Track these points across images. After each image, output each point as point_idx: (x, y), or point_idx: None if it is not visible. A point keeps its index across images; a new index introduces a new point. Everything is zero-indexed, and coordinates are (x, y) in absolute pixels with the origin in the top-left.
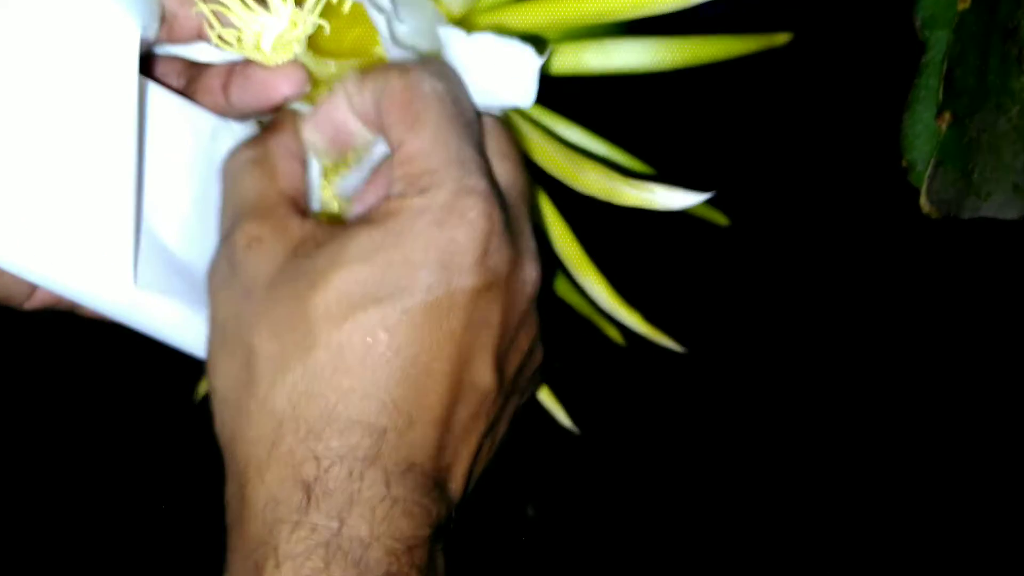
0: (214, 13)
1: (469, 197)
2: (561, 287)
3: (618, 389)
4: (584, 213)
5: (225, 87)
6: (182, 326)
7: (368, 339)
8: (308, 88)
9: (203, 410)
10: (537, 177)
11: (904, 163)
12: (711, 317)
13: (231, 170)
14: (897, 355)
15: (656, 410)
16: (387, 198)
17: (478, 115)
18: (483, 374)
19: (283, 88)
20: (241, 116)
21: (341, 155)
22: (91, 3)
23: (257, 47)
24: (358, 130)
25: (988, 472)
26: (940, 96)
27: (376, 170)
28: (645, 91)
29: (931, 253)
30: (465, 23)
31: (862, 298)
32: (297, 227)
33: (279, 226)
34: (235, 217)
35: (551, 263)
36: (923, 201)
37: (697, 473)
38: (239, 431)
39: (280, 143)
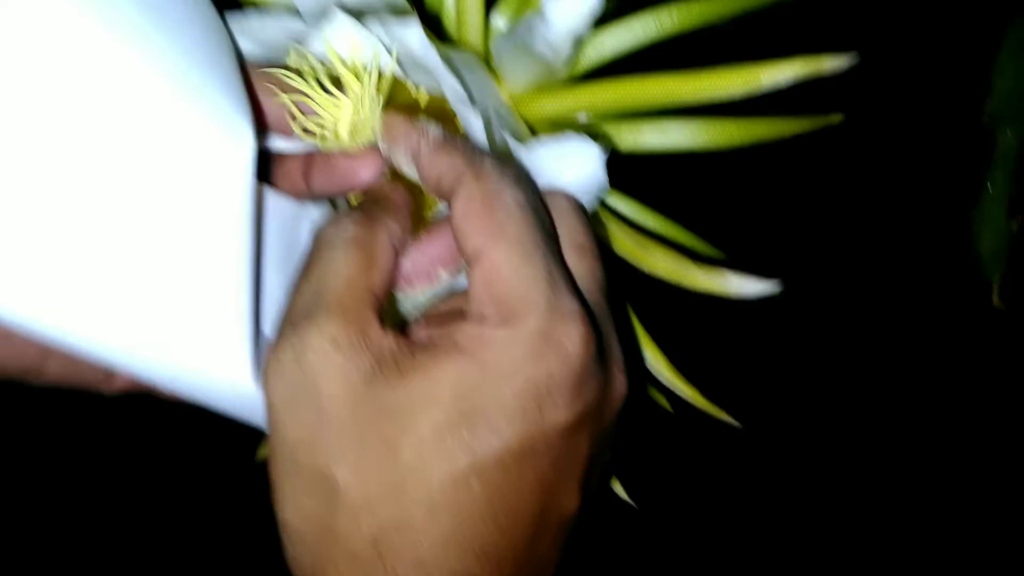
0: (295, 103)
1: (564, 324)
2: None
3: (670, 457)
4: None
5: (306, 174)
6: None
7: (460, 489)
8: (386, 170)
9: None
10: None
11: (973, 254)
12: (774, 395)
13: (328, 241)
14: (957, 443)
15: (709, 481)
16: (472, 318)
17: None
18: (569, 503)
19: (364, 174)
20: (319, 199)
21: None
22: (211, 114)
23: (337, 134)
24: (452, 266)
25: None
26: (1009, 195)
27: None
28: (704, 167)
29: (1000, 344)
30: (528, 102)
31: (927, 385)
32: (377, 337)
33: (360, 333)
34: (316, 302)
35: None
36: (995, 297)
37: (746, 545)
38: (320, 573)
39: (388, 228)
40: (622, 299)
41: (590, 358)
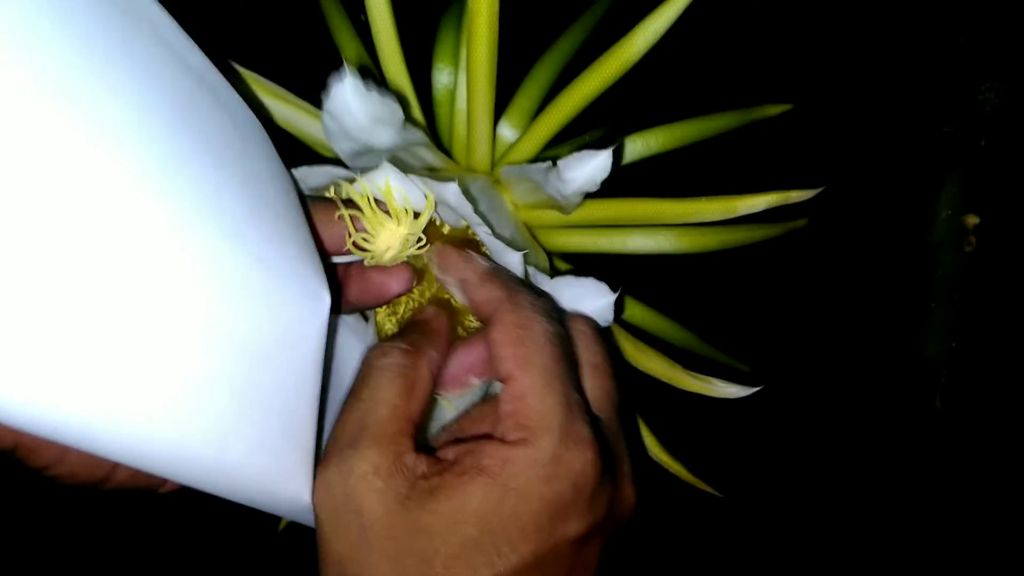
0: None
1: (575, 448)
2: None
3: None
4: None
5: (344, 287)
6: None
7: None
8: (414, 284)
9: None
10: None
11: (921, 360)
12: (747, 474)
13: (376, 369)
14: (901, 527)
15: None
16: (498, 440)
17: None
18: None
19: (395, 288)
20: (354, 311)
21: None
22: (297, 276)
23: (384, 252)
24: (483, 375)
25: None
26: (950, 320)
27: (486, 398)
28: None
29: (940, 439)
30: (531, 211)
31: (875, 472)
32: (412, 463)
33: (398, 461)
34: (362, 431)
35: None
36: (937, 400)
37: None
38: None
39: (430, 358)
40: (633, 412)
41: (597, 478)
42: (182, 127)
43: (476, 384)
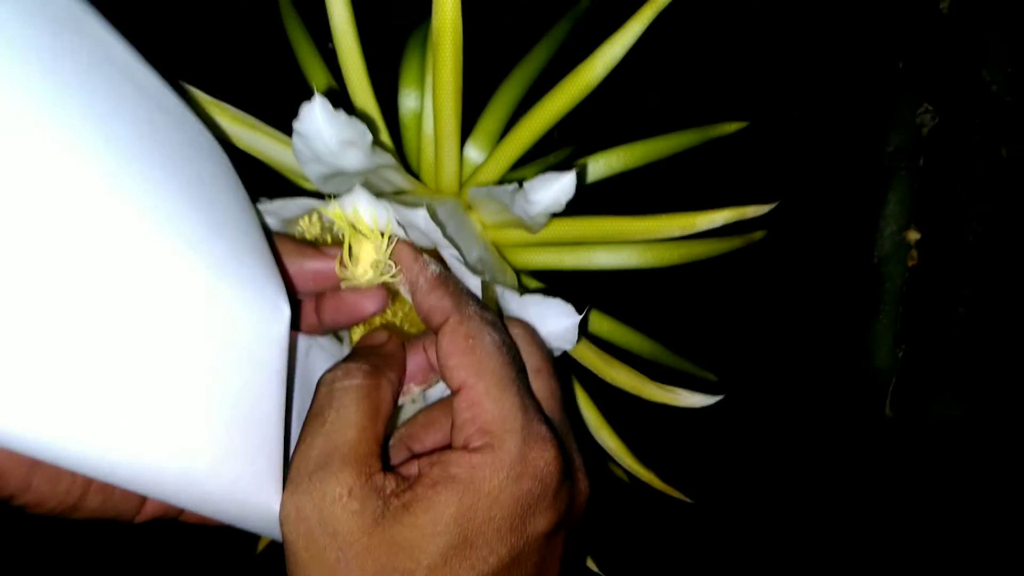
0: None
1: (537, 447)
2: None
3: (630, 526)
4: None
5: (318, 309)
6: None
7: None
8: (388, 304)
9: None
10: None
11: (870, 369)
12: (711, 480)
13: (341, 391)
14: (852, 530)
15: (662, 548)
16: (459, 445)
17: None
18: None
19: (369, 307)
20: (328, 332)
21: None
22: (258, 290)
23: (363, 273)
24: (423, 382)
25: None
26: (897, 330)
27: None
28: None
29: (889, 444)
30: (499, 231)
31: (827, 475)
32: (382, 481)
33: (370, 481)
34: (332, 453)
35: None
36: (887, 408)
37: None
38: None
39: (390, 381)
40: (575, 407)
41: (560, 473)
42: (141, 146)
43: (416, 391)
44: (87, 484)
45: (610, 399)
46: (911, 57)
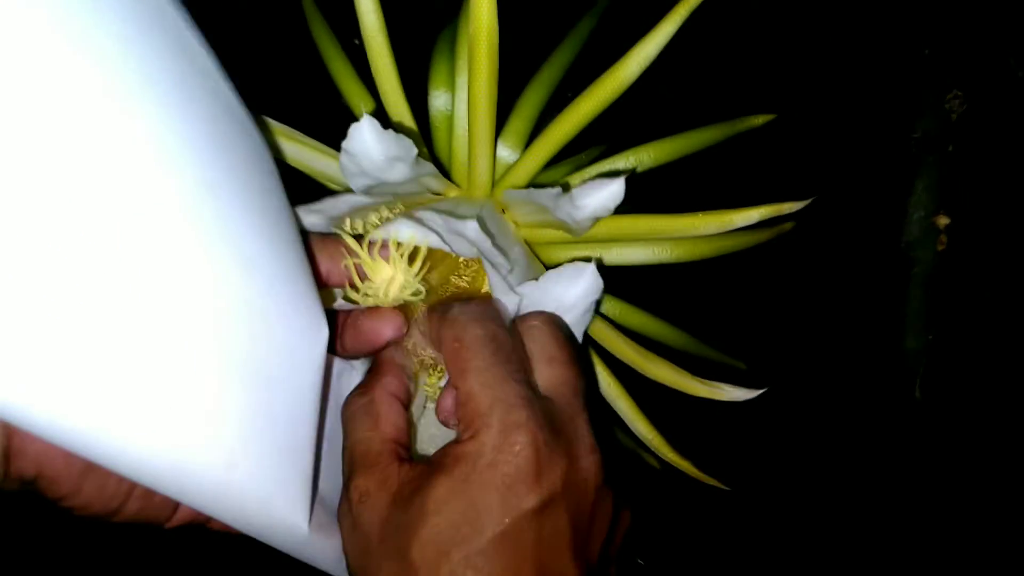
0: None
1: (513, 432)
2: (618, 435)
3: (666, 516)
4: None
5: (340, 336)
6: (322, 554)
7: None
8: (406, 329)
9: None
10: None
11: (901, 352)
12: (747, 466)
13: (346, 419)
14: (882, 512)
15: (700, 536)
16: (455, 442)
17: (534, 322)
18: (567, 571)
19: (386, 333)
20: (353, 357)
21: (429, 368)
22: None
23: (383, 296)
24: (431, 351)
25: None
26: (925, 313)
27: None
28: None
29: (919, 427)
30: (533, 230)
31: (860, 459)
32: (395, 474)
33: (381, 477)
34: (351, 467)
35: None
36: (917, 390)
37: None
38: None
39: (383, 388)
40: (598, 397)
41: (540, 453)
42: (216, 154)
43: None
44: (129, 491)
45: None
46: (937, 44)
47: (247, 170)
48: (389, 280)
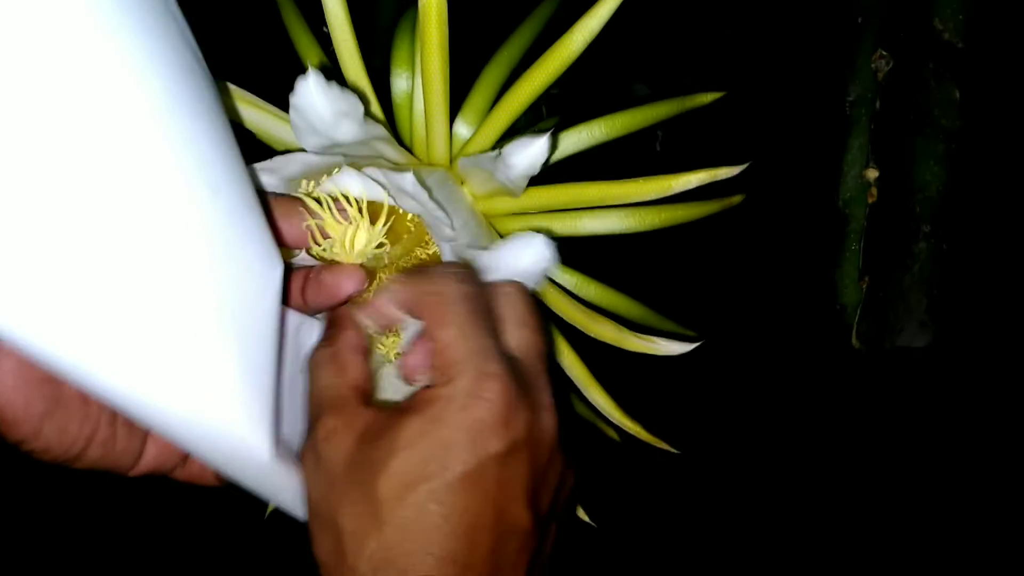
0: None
1: (487, 381)
2: (574, 402)
3: (622, 479)
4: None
5: (303, 290)
6: (282, 487)
7: (422, 511)
8: (367, 284)
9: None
10: (556, 322)
11: (838, 306)
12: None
13: (312, 367)
14: (823, 459)
15: (654, 498)
16: (426, 387)
17: (507, 287)
18: (520, 517)
19: (348, 288)
20: (315, 312)
21: (388, 331)
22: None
23: (348, 250)
24: (399, 316)
25: None
26: (860, 264)
27: (415, 341)
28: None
29: (857, 374)
30: (488, 200)
31: (801, 407)
32: (362, 416)
33: (348, 418)
34: (317, 410)
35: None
36: (853, 340)
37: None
38: None
39: (346, 340)
40: (556, 360)
41: (509, 403)
42: (186, 92)
43: (400, 320)
44: (91, 436)
45: (599, 361)
46: (867, 11)
47: (205, 106)
48: (353, 235)
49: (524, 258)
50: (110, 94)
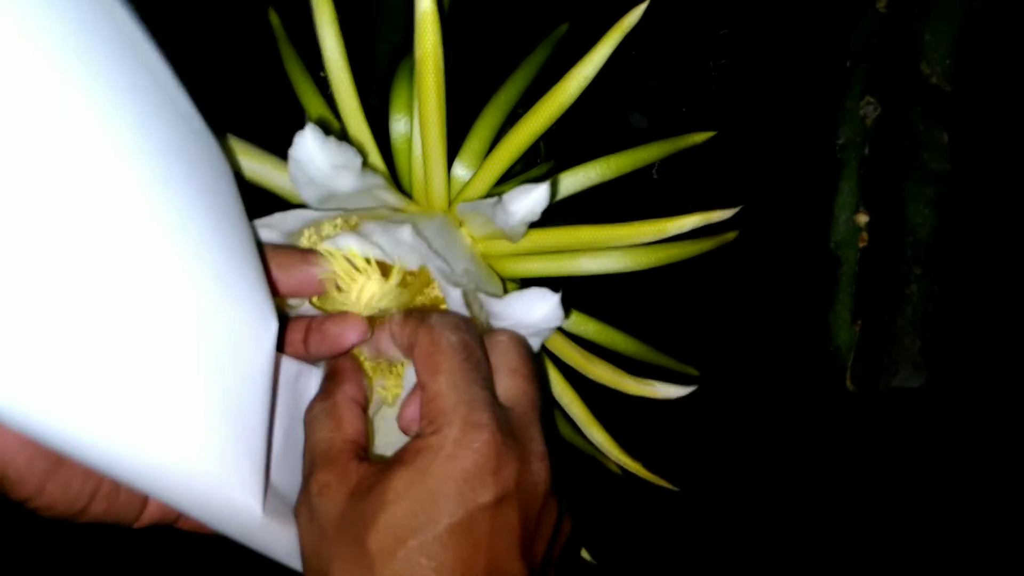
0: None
1: (474, 431)
2: (575, 438)
3: (623, 514)
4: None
5: (305, 340)
6: (275, 541)
7: (413, 565)
8: (370, 335)
9: None
10: (556, 362)
11: (832, 348)
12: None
13: (308, 420)
14: (818, 498)
15: (649, 535)
16: (417, 437)
17: (504, 337)
18: (513, 567)
19: (351, 338)
20: (316, 360)
21: (386, 363)
22: (250, 307)
23: (358, 304)
24: (397, 356)
25: None
26: (852, 307)
27: (412, 392)
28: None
29: (855, 415)
30: (488, 242)
31: (794, 447)
32: (355, 470)
33: (342, 473)
34: (311, 464)
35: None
36: (848, 382)
37: None
38: None
39: (344, 393)
40: (551, 411)
41: (497, 453)
42: (171, 155)
43: (396, 357)
44: (94, 491)
45: (598, 401)
46: (856, 56)
47: (200, 171)
48: (362, 288)
49: (535, 313)
50: (91, 171)
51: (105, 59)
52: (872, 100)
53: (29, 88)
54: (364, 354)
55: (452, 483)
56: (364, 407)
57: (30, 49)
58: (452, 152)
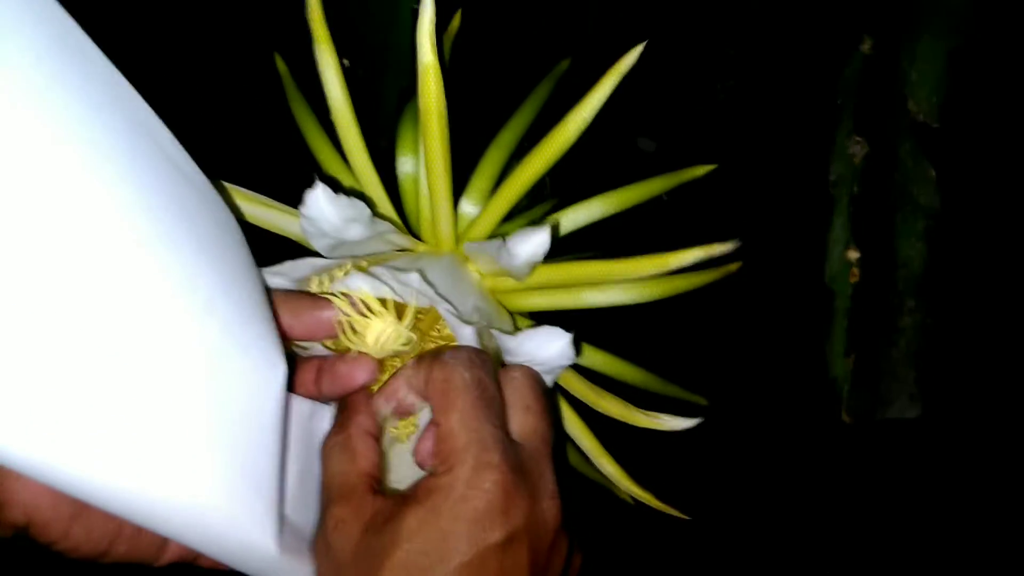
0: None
1: (484, 471)
2: (587, 469)
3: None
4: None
5: (316, 381)
6: (290, 574)
7: None
8: (379, 374)
9: None
10: (567, 396)
11: (829, 378)
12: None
13: (324, 455)
14: (814, 525)
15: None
16: (430, 475)
17: (517, 372)
18: None
19: (361, 377)
20: (328, 400)
21: (403, 415)
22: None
23: (366, 345)
24: (412, 401)
25: None
26: (846, 340)
27: (428, 426)
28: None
29: (853, 445)
30: (495, 279)
31: (792, 477)
32: (370, 504)
33: (357, 507)
34: (327, 498)
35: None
36: (843, 414)
37: None
38: None
39: (358, 426)
40: (563, 448)
41: (507, 492)
42: (176, 217)
43: (415, 406)
44: (117, 533)
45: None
46: (845, 94)
47: (205, 229)
48: (376, 331)
49: (546, 351)
50: (102, 239)
51: (107, 131)
52: (860, 139)
53: (42, 165)
54: (383, 411)
55: (463, 523)
56: (377, 438)
57: (39, 129)
58: (459, 187)
